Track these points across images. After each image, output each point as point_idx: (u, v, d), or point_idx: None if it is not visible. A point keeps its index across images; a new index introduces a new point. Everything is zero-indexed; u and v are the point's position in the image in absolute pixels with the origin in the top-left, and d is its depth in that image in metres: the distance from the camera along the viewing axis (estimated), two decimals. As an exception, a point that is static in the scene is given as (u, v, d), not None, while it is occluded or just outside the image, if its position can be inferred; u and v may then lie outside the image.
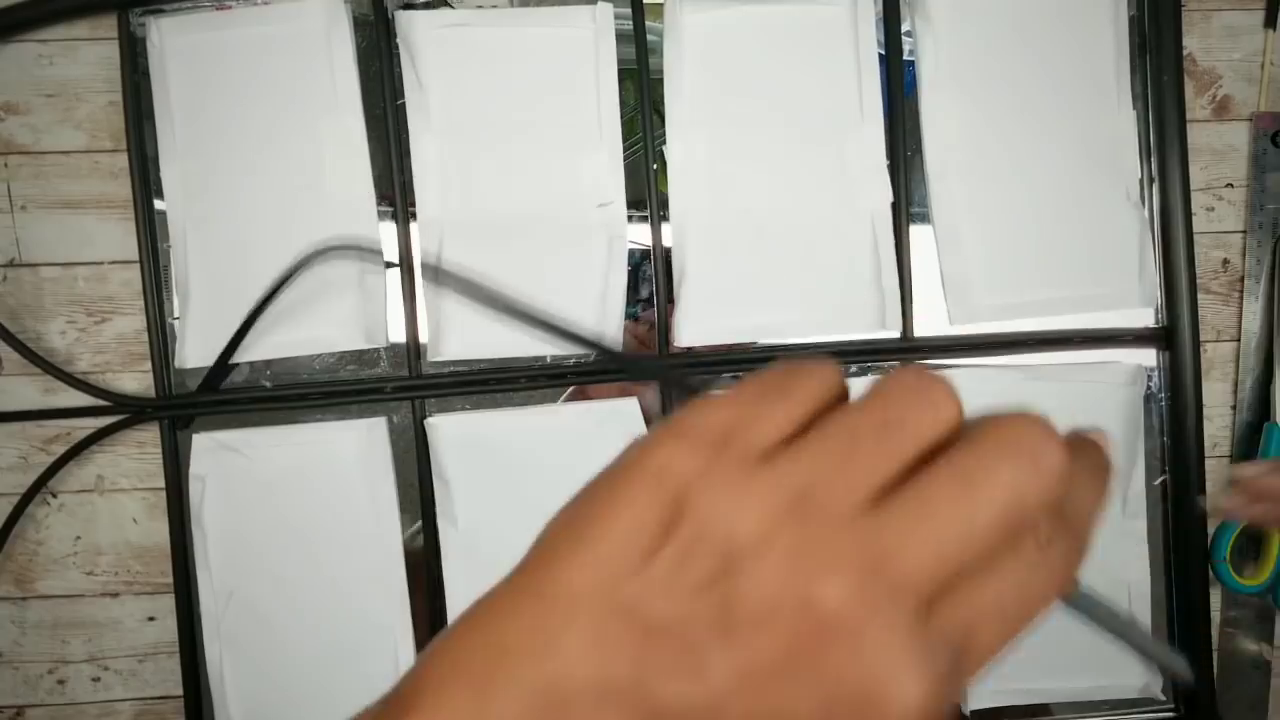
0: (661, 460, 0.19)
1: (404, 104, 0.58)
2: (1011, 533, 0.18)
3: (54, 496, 0.62)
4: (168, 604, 0.61)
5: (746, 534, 0.17)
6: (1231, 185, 0.61)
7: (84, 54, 0.60)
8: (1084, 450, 0.20)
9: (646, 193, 0.58)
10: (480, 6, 0.60)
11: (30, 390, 0.61)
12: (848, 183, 0.58)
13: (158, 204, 0.59)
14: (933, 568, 0.17)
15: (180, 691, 0.61)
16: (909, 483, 0.18)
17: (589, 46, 0.58)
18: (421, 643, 0.58)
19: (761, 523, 0.17)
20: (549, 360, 0.59)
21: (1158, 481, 0.60)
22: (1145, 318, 0.60)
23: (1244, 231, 0.62)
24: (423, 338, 0.59)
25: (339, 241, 0.56)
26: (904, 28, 0.59)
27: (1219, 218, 0.62)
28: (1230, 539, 0.61)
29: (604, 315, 0.59)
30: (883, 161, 0.59)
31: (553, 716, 0.17)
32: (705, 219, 0.58)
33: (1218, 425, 0.62)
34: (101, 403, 0.59)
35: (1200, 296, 0.59)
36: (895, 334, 0.59)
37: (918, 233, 0.59)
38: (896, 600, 0.17)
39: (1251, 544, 0.62)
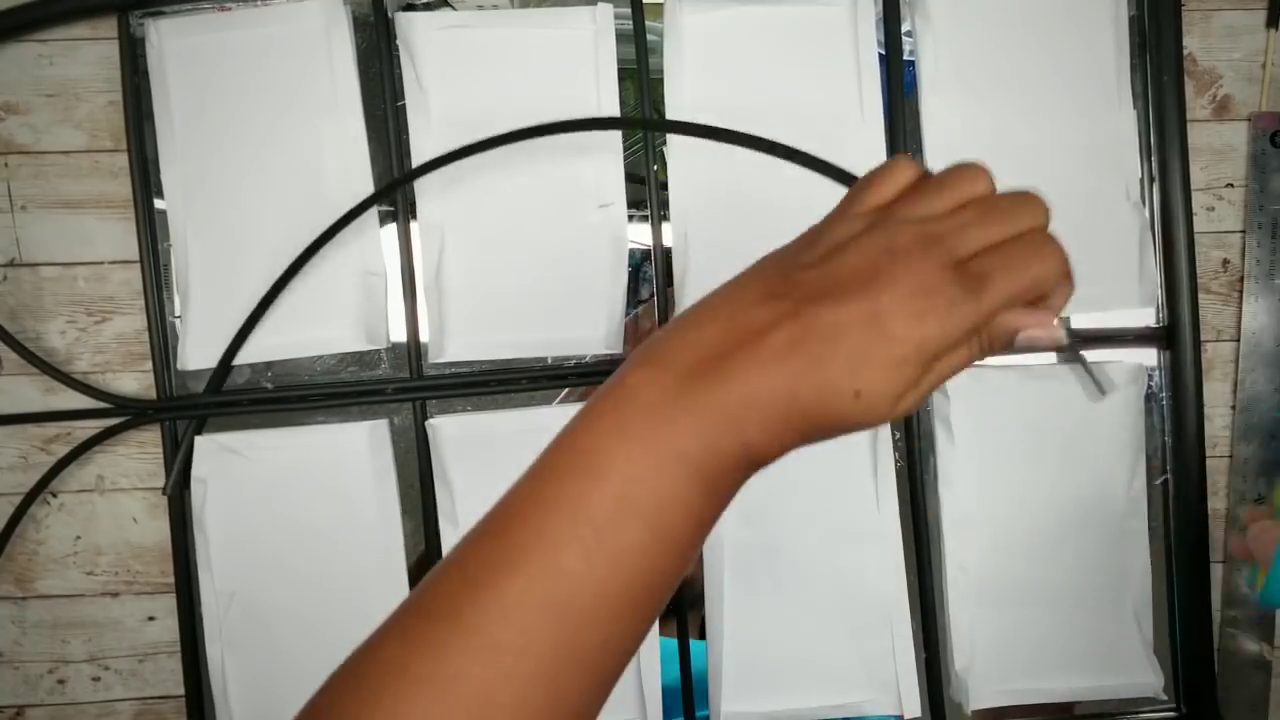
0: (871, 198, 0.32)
1: (404, 104, 0.58)
2: (1020, 237, 0.31)
3: (54, 496, 0.62)
4: (168, 604, 0.61)
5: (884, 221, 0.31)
6: (1231, 185, 0.62)
7: (84, 54, 0.60)
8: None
9: (647, 193, 0.58)
10: (480, 7, 0.60)
11: (30, 390, 0.61)
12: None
13: (158, 204, 0.59)
14: (978, 244, 0.30)
15: (180, 691, 0.61)
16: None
17: (589, 46, 0.58)
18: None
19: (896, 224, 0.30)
20: (550, 361, 0.59)
21: (1159, 481, 0.60)
22: (1146, 317, 0.60)
23: (1244, 231, 0.62)
24: (424, 339, 0.59)
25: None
26: (904, 28, 0.59)
27: (1219, 218, 0.62)
28: None
29: (605, 315, 0.59)
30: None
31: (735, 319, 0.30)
32: (705, 219, 0.58)
33: (1218, 425, 0.62)
34: (103, 404, 0.59)
35: (1200, 296, 0.59)
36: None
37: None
38: (940, 243, 0.29)
39: None
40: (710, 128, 0.55)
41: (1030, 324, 0.30)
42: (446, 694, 0.27)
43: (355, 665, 0.29)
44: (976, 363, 0.31)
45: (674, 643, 0.59)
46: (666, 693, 0.59)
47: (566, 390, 0.59)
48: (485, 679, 0.27)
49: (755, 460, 0.30)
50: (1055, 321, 0.30)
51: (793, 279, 0.30)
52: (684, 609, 0.59)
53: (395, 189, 0.58)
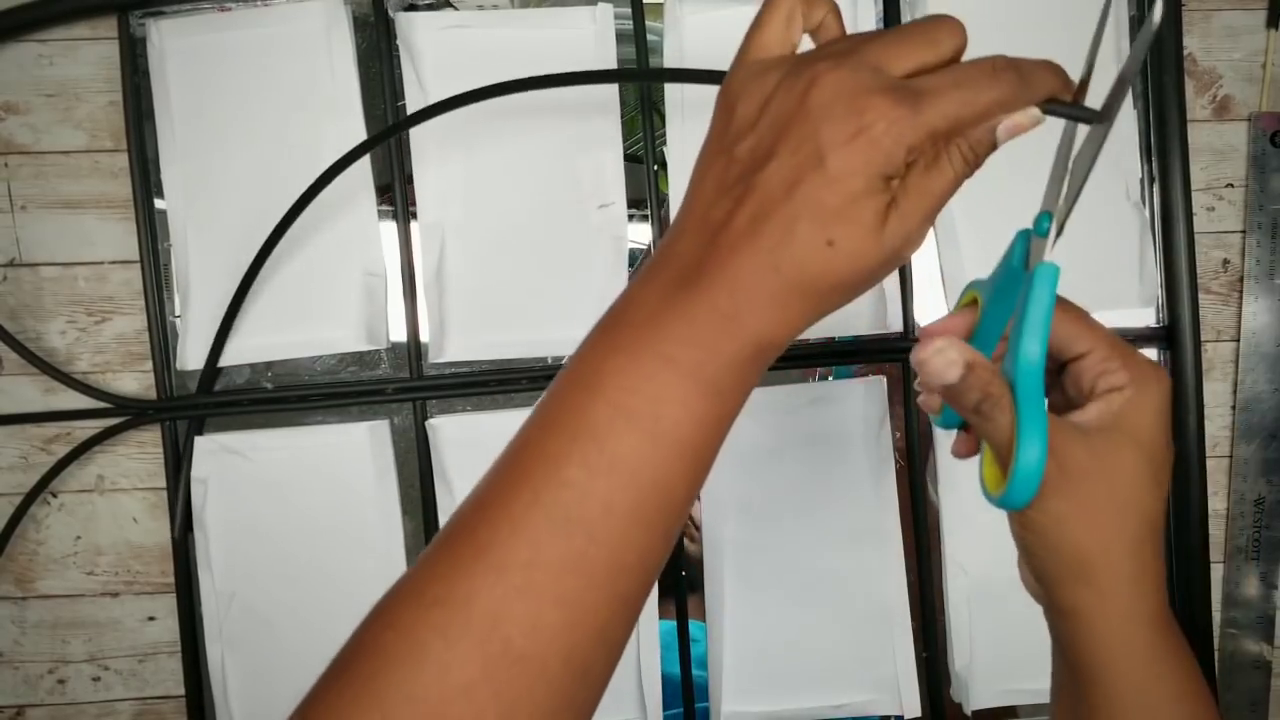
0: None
1: (404, 104, 0.58)
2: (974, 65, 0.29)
3: (54, 496, 0.62)
4: (168, 604, 0.61)
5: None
6: (1231, 185, 0.62)
7: (84, 54, 0.60)
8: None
9: (647, 193, 0.58)
10: (481, 7, 0.60)
11: (30, 390, 0.61)
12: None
13: (158, 204, 0.59)
14: (904, 63, 0.28)
15: (180, 691, 0.61)
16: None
17: (589, 46, 0.58)
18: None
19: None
20: (550, 361, 0.59)
21: (1158, 481, 0.60)
22: (1146, 317, 0.60)
23: (1244, 231, 0.62)
24: (424, 339, 0.59)
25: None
26: (904, 28, 0.59)
27: (1219, 218, 0.62)
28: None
29: (604, 315, 0.59)
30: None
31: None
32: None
33: (1218, 425, 0.62)
34: (103, 404, 0.59)
35: (1200, 296, 0.59)
36: (897, 330, 0.59)
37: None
38: (862, 65, 0.28)
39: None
40: (711, 71, 0.54)
41: (1003, 120, 0.28)
42: (460, 614, 0.27)
43: (384, 600, 0.29)
44: (974, 175, 0.30)
45: (674, 625, 0.59)
46: (666, 684, 0.60)
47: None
48: (496, 596, 0.27)
49: (765, 348, 0.29)
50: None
51: (734, 157, 0.29)
52: (683, 599, 0.59)
53: (391, 135, 0.57)
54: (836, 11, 0.33)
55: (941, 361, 0.31)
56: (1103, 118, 0.30)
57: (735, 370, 0.29)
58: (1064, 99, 0.29)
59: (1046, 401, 0.32)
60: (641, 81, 0.58)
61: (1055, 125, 0.31)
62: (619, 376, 0.29)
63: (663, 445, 0.29)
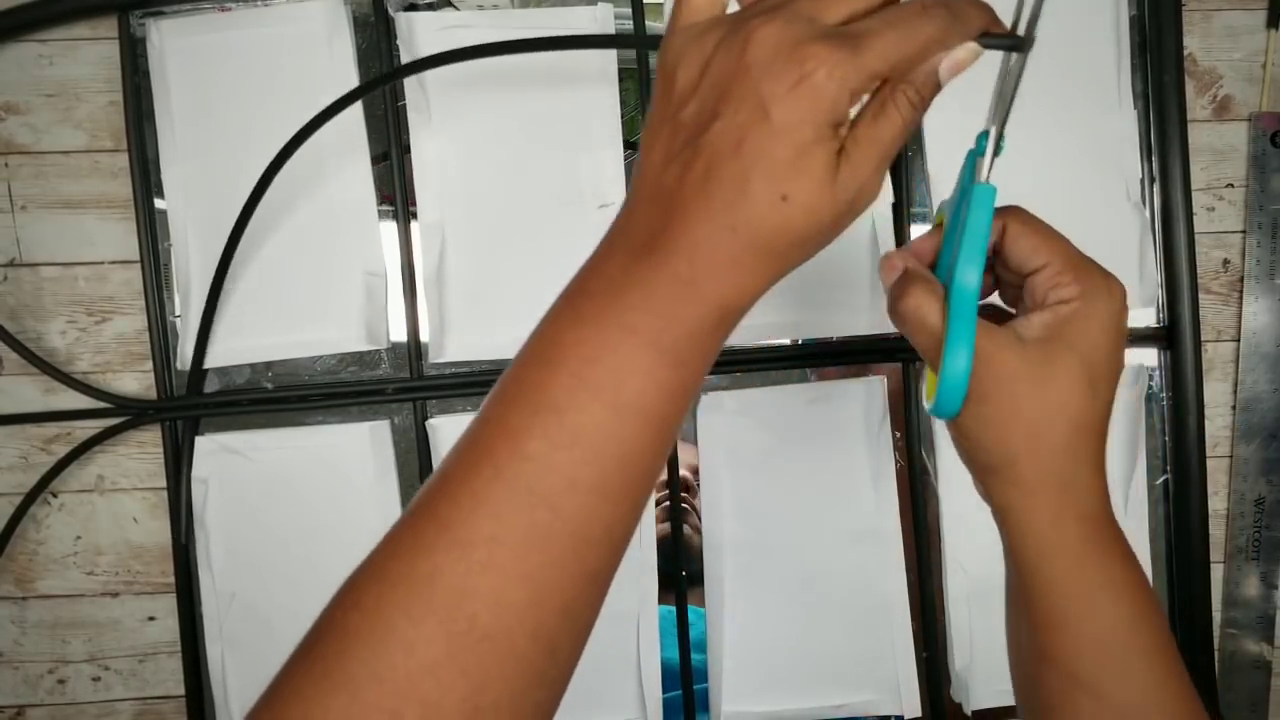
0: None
1: (404, 104, 0.58)
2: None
3: (54, 496, 0.62)
4: (168, 604, 0.61)
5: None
6: (1232, 185, 0.62)
7: (84, 54, 0.60)
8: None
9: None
10: (481, 7, 0.60)
11: (31, 390, 0.61)
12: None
13: (158, 204, 0.59)
14: (837, 10, 0.28)
15: (180, 691, 0.61)
16: None
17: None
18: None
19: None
20: (550, 360, 0.59)
21: (1159, 481, 0.61)
22: (1146, 317, 0.60)
23: (1244, 231, 0.62)
24: (424, 339, 0.59)
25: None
26: (904, 28, 0.59)
27: (1219, 218, 0.62)
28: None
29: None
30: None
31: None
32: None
33: (1218, 425, 0.62)
34: (103, 404, 0.59)
35: (1200, 296, 0.59)
36: (896, 331, 0.59)
37: (918, 233, 0.59)
38: (796, 16, 0.28)
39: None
40: None
41: (943, 59, 0.29)
42: (424, 590, 0.27)
43: (349, 579, 0.30)
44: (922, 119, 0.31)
45: (672, 610, 0.60)
46: (665, 672, 0.60)
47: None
48: (459, 571, 0.27)
49: (727, 313, 0.29)
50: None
51: (680, 123, 0.29)
52: (683, 592, 0.59)
53: (385, 82, 0.56)
54: None
55: (884, 268, 0.34)
56: (1027, 45, 0.31)
57: (698, 338, 0.29)
58: (996, 31, 0.30)
59: (991, 316, 0.35)
60: (640, 48, 0.58)
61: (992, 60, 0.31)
62: (580, 348, 0.29)
63: (626, 416, 0.28)
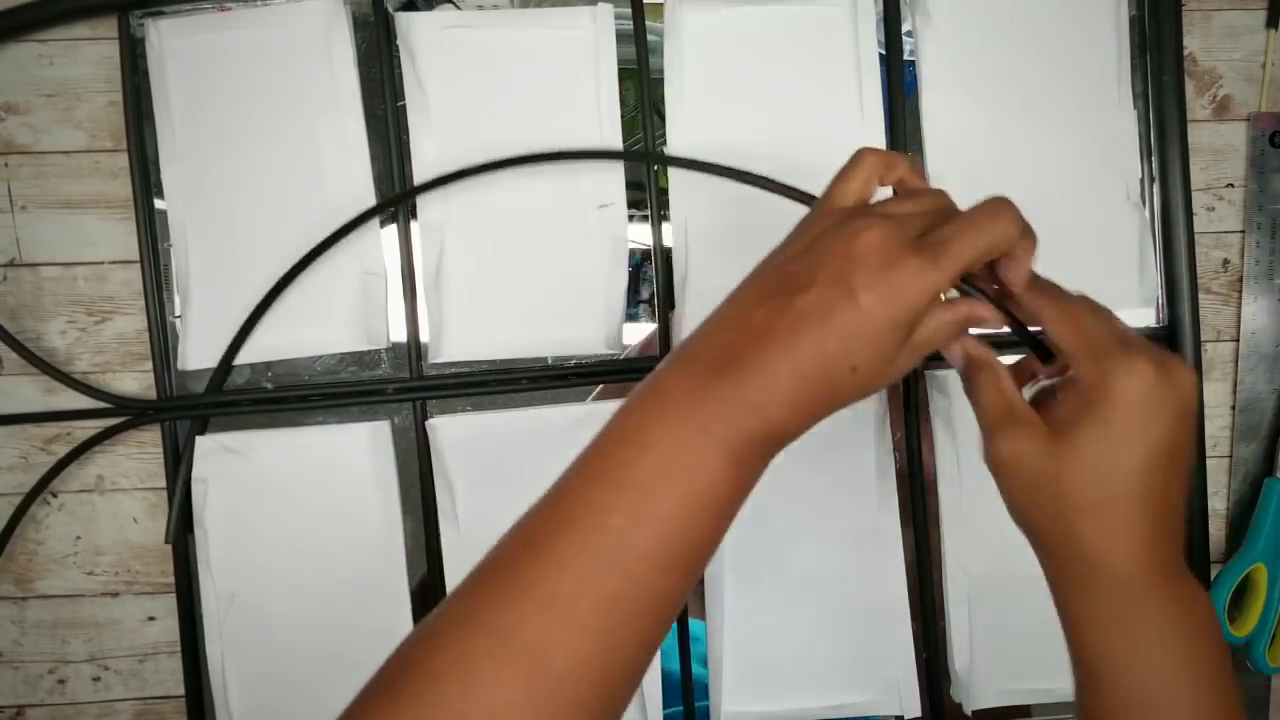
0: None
1: (404, 104, 0.58)
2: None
3: (54, 496, 0.62)
4: (168, 604, 0.61)
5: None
6: (1232, 185, 0.62)
7: (84, 54, 0.60)
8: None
9: (647, 193, 0.58)
10: (481, 7, 0.60)
11: (30, 390, 0.61)
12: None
13: (158, 204, 0.59)
14: (920, 219, 0.35)
15: (180, 691, 0.61)
16: None
17: (589, 46, 0.58)
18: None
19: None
20: (550, 361, 0.59)
21: (1158, 481, 0.60)
22: (1145, 318, 0.60)
23: (1244, 231, 0.62)
24: (424, 339, 0.59)
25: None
26: (904, 28, 0.59)
27: (1219, 218, 0.62)
28: (1231, 585, 0.60)
29: (605, 315, 0.59)
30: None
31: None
32: (706, 219, 0.59)
33: (1218, 425, 0.62)
34: (103, 404, 0.59)
35: (1200, 296, 0.59)
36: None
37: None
38: (900, 226, 0.34)
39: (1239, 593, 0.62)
40: (711, 165, 0.56)
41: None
42: (506, 639, 0.30)
43: (426, 622, 0.33)
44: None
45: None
46: (667, 682, 0.60)
47: (601, 387, 0.60)
48: (540, 625, 0.31)
49: (779, 436, 0.35)
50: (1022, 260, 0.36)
51: (783, 275, 0.35)
52: (684, 606, 0.59)
53: (402, 201, 0.58)
54: (914, 170, 0.38)
55: (980, 369, 0.39)
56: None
57: (756, 450, 0.34)
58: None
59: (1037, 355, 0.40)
60: (648, 162, 0.59)
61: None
62: (665, 440, 0.33)
63: (698, 504, 0.33)
